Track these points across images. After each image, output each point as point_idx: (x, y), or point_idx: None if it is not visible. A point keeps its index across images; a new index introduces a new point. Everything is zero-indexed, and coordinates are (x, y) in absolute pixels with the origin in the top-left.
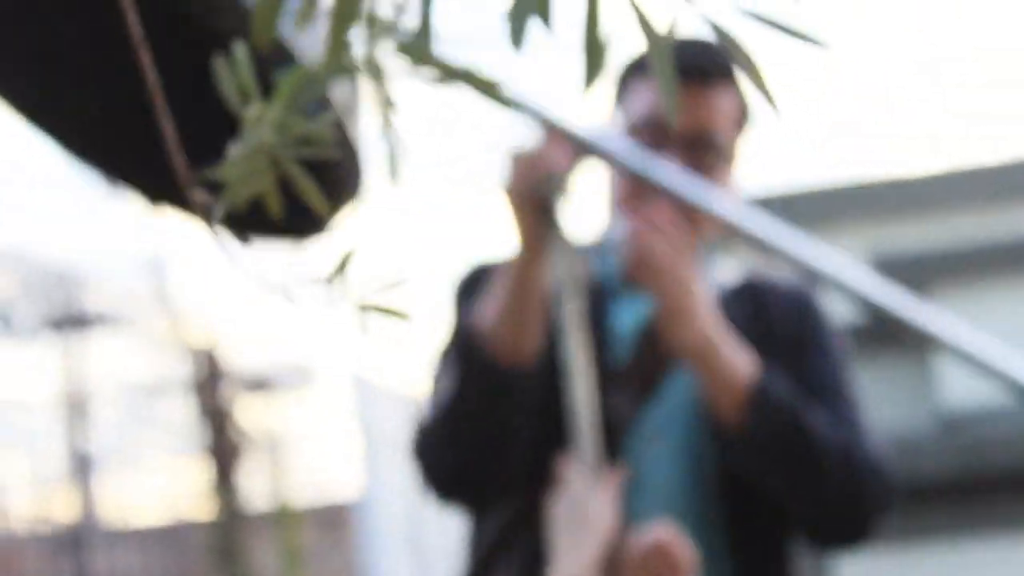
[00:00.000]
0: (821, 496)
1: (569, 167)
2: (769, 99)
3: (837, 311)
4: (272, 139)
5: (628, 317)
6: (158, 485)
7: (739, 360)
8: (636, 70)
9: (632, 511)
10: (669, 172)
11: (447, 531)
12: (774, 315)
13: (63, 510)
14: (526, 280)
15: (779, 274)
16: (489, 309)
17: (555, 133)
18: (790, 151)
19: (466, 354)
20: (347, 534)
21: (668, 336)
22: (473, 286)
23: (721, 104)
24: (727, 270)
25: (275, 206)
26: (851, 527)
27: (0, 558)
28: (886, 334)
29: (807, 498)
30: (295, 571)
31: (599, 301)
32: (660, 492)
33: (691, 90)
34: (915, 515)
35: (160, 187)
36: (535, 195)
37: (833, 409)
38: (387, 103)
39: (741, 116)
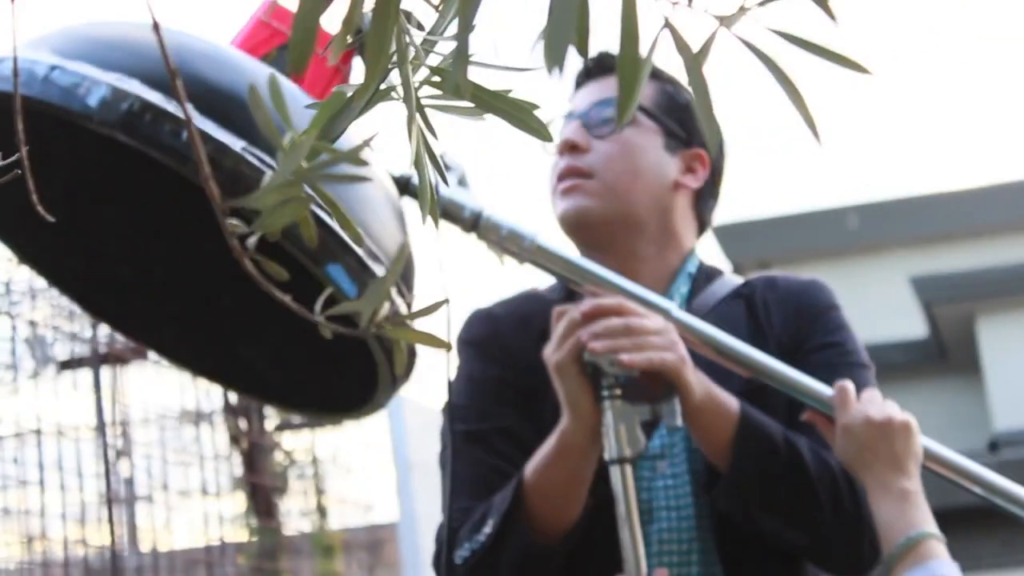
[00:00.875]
0: (818, 527)
1: (619, 334)
2: (810, 122)
3: (888, 329)
4: (305, 166)
5: None
6: (196, 511)
7: (723, 407)
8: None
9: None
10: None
11: None
12: (774, 317)
13: (100, 536)
14: (575, 452)
15: (784, 274)
16: (534, 478)
17: (602, 298)
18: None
19: (504, 526)
20: (388, 557)
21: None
22: (478, 335)
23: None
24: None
25: (310, 234)
26: (856, 552)
27: None
28: (939, 355)
29: (806, 530)
30: None
31: None
32: (667, 517)
33: (588, 84)
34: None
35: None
36: (586, 363)
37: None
38: (423, 133)
39: (664, 97)
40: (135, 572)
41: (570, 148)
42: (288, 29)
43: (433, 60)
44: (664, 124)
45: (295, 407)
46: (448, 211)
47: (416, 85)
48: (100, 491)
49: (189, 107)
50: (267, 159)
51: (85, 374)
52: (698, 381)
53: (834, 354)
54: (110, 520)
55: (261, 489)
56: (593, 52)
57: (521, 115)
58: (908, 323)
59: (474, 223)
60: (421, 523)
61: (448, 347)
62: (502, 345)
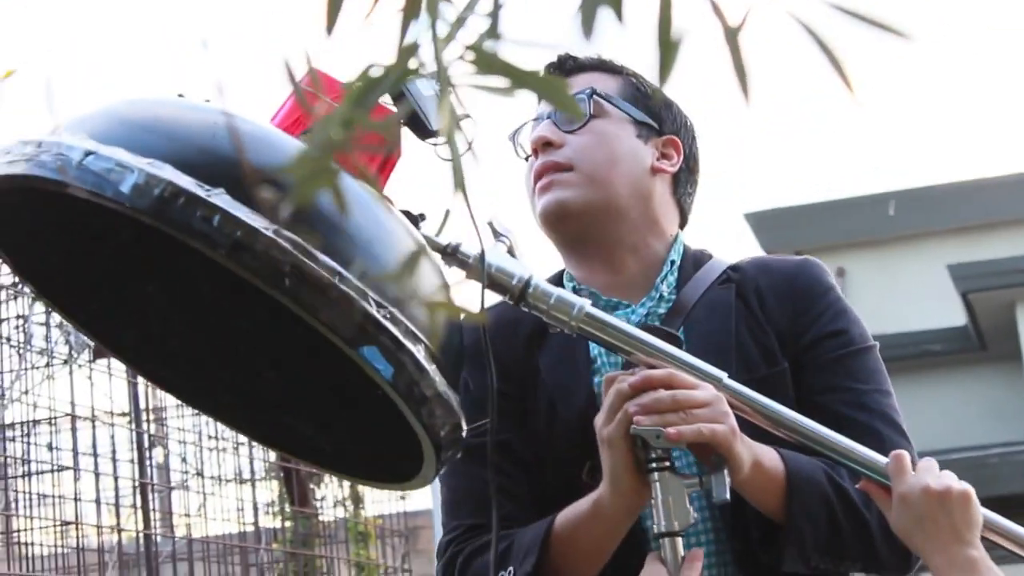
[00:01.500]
0: (873, 554)
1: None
2: (850, 88)
3: (927, 317)
4: (339, 135)
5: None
6: (230, 498)
7: (770, 472)
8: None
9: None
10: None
11: None
12: (768, 303)
13: (135, 523)
14: (607, 521)
15: (779, 257)
16: (562, 531)
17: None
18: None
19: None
20: (423, 544)
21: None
22: (466, 346)
23: (586, 82)
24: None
25: (340, 203)
26: (905, 561)
27: (74, 572)
28: (979, 343)
29: (862, 560)
30: None
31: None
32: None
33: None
34: None
35: None
36: (634, 436)
37: (843, 403)
38: (455, 108)
39: (631, 90)
40: (169, 558)
41: (544, 145)
42: (331, 98)
43: (464, 38)
44: (633, 114)
45: (346, 475)
46: (496, 280)
47: (447, 63)
48: (134, 478)
49: (219, 191)
50: (299, 241)
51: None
52: (747, 452)
53: (837, 344)
54: (144, 506)
55: (295, 476)
56: (554, 56)
57: (553, 91)
58: (947, 311)
59: (522, 292)
60: None
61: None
62: (492, 353)
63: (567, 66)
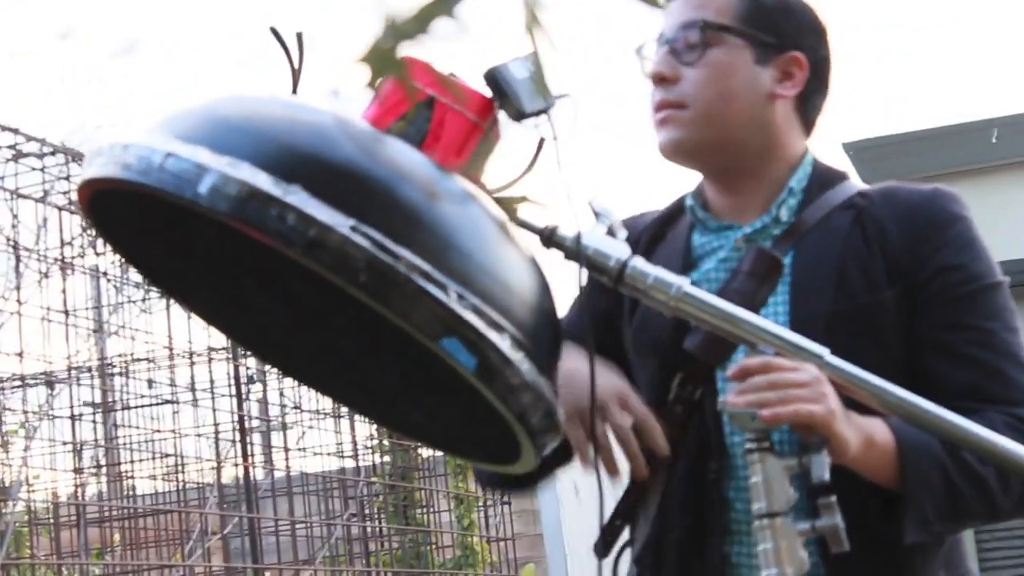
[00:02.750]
0: (995, 512)
1: None
2: None
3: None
4: (410, 29)
5: (713, 257)
6: (329, 433)
7: (881, 447)
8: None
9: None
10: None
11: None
12: (890, 233)
13: (235, 460)
14: None
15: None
16: None
17: None
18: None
19: None
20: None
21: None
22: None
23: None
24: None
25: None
26: (1018, 516)
27: (176, 511)
28: None
29: (984, 519)
30: (469, 518)
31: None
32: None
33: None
34: None
35: None
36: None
37: (956, 352)
38: (534, 20)
39: (754, 7)
40: (269, 493)
41: (660, 80)
42: (425, 85)
43: None
44: (752, 36)
45: (461, 456)
46: (593, 262)
47: None
48: (234, 414)
49: (296, 188)
50: (376, 235)
51: None
52: (853, 431)
53: (961, 278)
54: (243, 442)
55: None
56: None
57: None
58: None
59: (620, 273)
60: None
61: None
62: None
63: None
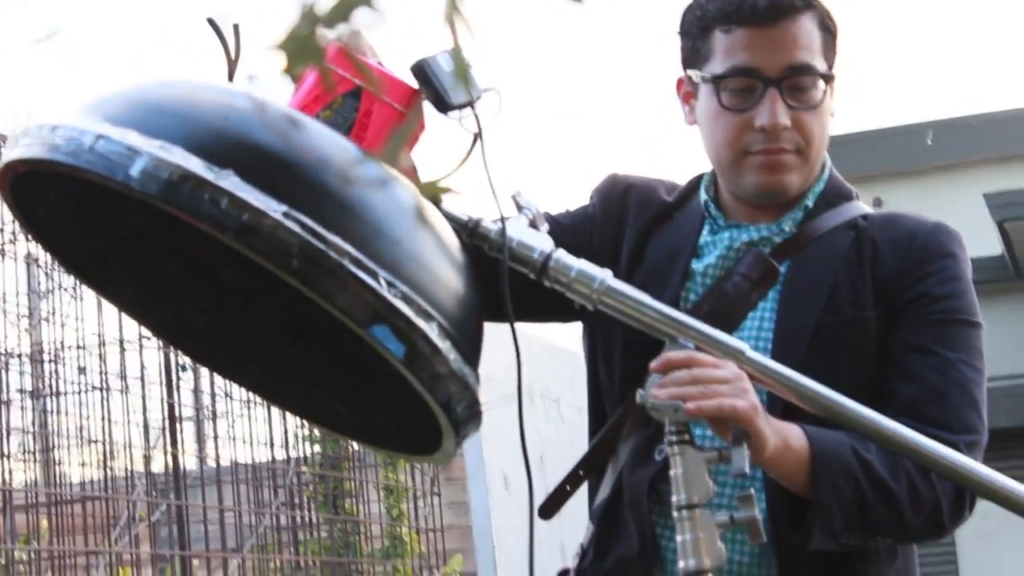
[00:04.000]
0: (904, 527)
1: None
2: None
3: (968, 247)
4: (330, 17)
5: (713, 253)
6: (260, 423)
7: (795, 449)
8: (710, 25)
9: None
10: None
11: (565, 462)
12: (883, 255)
13: (165, 447)
14: None
15: (910, 215)
16: None
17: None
18: (904, 86)
19: None
20: (453, 471)
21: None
22: (605, 185)
23: (802, 33)
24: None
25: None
26: (937, 526)
27: (104, 498)
28: (1014, 273)
29: (892, 534)
30: (398, 509)
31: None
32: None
33: (767, 28)
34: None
35: None
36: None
37: (917, 384)
38: (455, 10)
39: (828, 38)
40: (198, 482)
41: (779, 129)
42: (353, 75)
43: None
44: (833, 73)
45: (378, 447)
46: (517, 254)
47: None
48: (164, 402)
49: (228, 172)
50: (308, 221)
51: None
52: (771, 431)
53: (940, 308)
54: (173, 431)
55: None
56: None
57: None
58: (982, 240)
59: (543, 266)
60: (487, 436)
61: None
62: (621, 200)
63: (783, 5)
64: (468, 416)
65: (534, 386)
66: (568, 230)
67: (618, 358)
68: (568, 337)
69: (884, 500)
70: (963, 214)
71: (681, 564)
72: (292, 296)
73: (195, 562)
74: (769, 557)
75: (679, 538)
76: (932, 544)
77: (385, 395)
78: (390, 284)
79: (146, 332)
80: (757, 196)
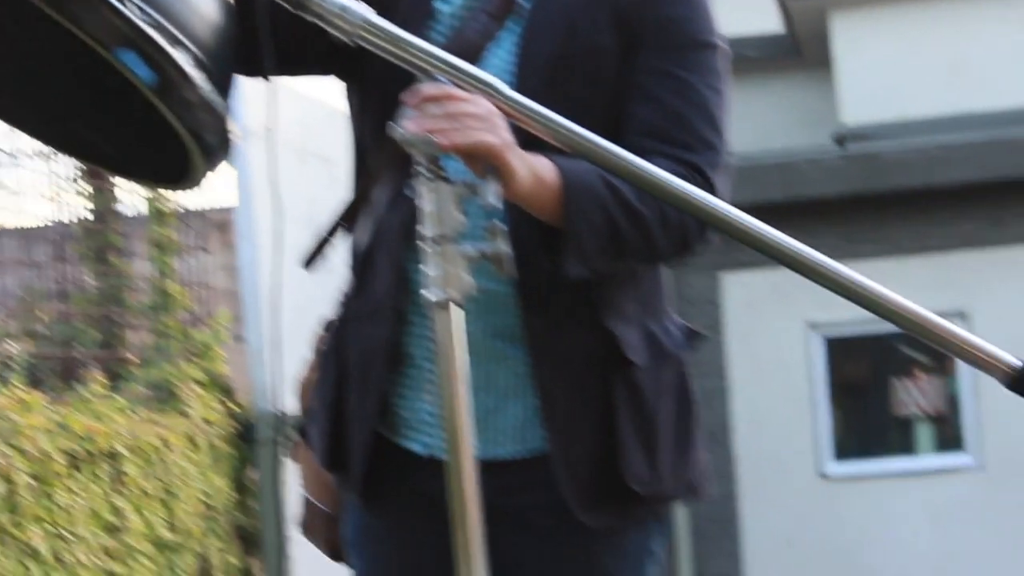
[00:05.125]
0: (654, 250)
1: None
2: None
3: (743, 23)
4: None
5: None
6: (31, 185)
7: (547, 182)
8: None
9: None
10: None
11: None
12: None
13: None
14: None
15: None
16: None
17: None
18: None
19: None
20: (226, 239)
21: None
22: None
23: None
24: None
25: None
26: (685, 246)
27: None
28: (793, 50)
29: (643, 258)
30: (167, 268)
31: None
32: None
33: None
34: (811, 232)
35: None
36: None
37: (661, 113)
38: None
39: None
40: None
41: None
42: None
43: None
44: None
45: (130, 177)
46: None
47: None
48: None
49: None
50: None
51: None
52: (523, 165)
53: (673, 31)
54: None
55: None
56: None
57: None
58: (763, 18)
59: None
60: (257, 196)
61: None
62: None
63: None
64: (218, 145)
65: (308, 146)
66: None
67: (374, 107)
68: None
69: (634, 224)
70: None
71: (429, 296)
72: (44, 22)
73: None
74: (517, 289)
75: (428, 271)
76: (700, 312)
77: (139, 125)
78: (141, 9)
79: None
80: None
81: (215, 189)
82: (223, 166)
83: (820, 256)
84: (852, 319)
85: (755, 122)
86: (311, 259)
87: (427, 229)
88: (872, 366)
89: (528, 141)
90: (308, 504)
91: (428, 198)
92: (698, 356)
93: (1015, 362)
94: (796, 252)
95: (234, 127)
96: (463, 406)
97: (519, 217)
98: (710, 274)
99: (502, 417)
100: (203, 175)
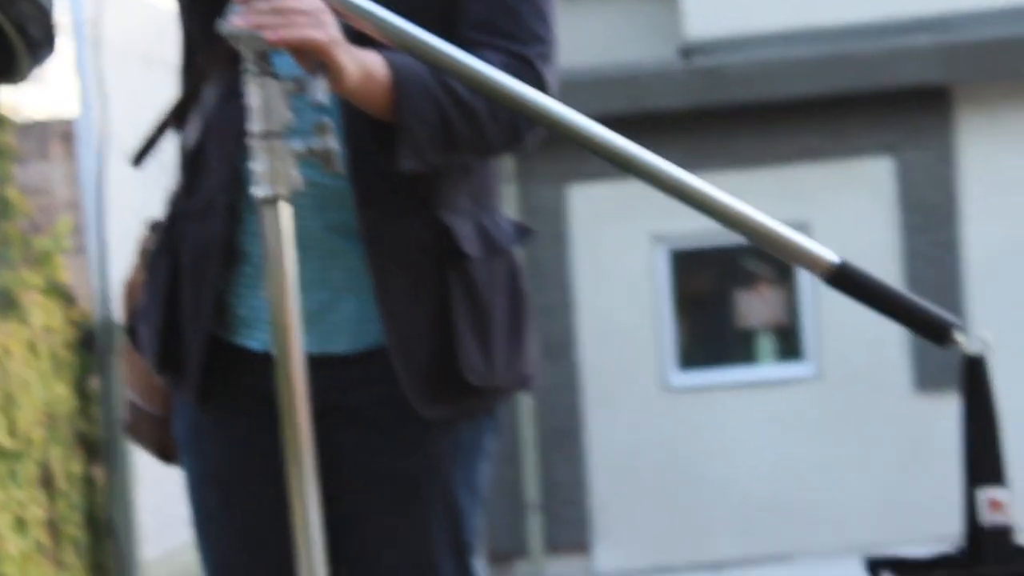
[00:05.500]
0: (486, 143)
1: None
2: None
3: None
4: None
5: None
6: None
7: (376, 78)
8: None
9: None
10: None
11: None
12: None
13: None
14: None
15: None
16: None
17: None
18: None
19: None
20: (72, 148)
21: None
22: None
23: None
24: None
25: None
26: (514, 138)
27: None
28: None
29: (476, 151)
30: (6, 175)
31: None
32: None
33: None
34: (656, 145)
35: None
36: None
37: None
38: None
39: None
40: None
41: None
42: None
43: None
44: None
45: None
46: None
47: None
48: None
49: None
50: None
51: None
52: (352, 61)
53: None
54: None
55: None
56: None
57: None
58: None
59: None
60: (97, 100)
61: None
62: None
63: None
64: (43, 38)
65: (153, 52)
66: None
67: (203, 2)
68: None
69: (465, 116)
70: None
71: (257, 191)
72: None
73: None
74: (348, 185)
75: (255, 167)
76: (545, 223)
77: None
78: None
79: None
80: None
81: (59, 98)
82: (59, 69)
83: (661, 161)
84: (696, 232)
85: (600, 34)
86: (140, 157)
87: (255, 125)
88: (716, 278)
89: (359, 38)
90: (133, 406)
91: (256, 94)
92: (543, 267)
93: (834, 259)
94: (634, 156)
95: (58, 22)
96: (290, 302)
97: (353, 112)
98: (556, 185)
99: (337, 312)
100: (28, 70)
